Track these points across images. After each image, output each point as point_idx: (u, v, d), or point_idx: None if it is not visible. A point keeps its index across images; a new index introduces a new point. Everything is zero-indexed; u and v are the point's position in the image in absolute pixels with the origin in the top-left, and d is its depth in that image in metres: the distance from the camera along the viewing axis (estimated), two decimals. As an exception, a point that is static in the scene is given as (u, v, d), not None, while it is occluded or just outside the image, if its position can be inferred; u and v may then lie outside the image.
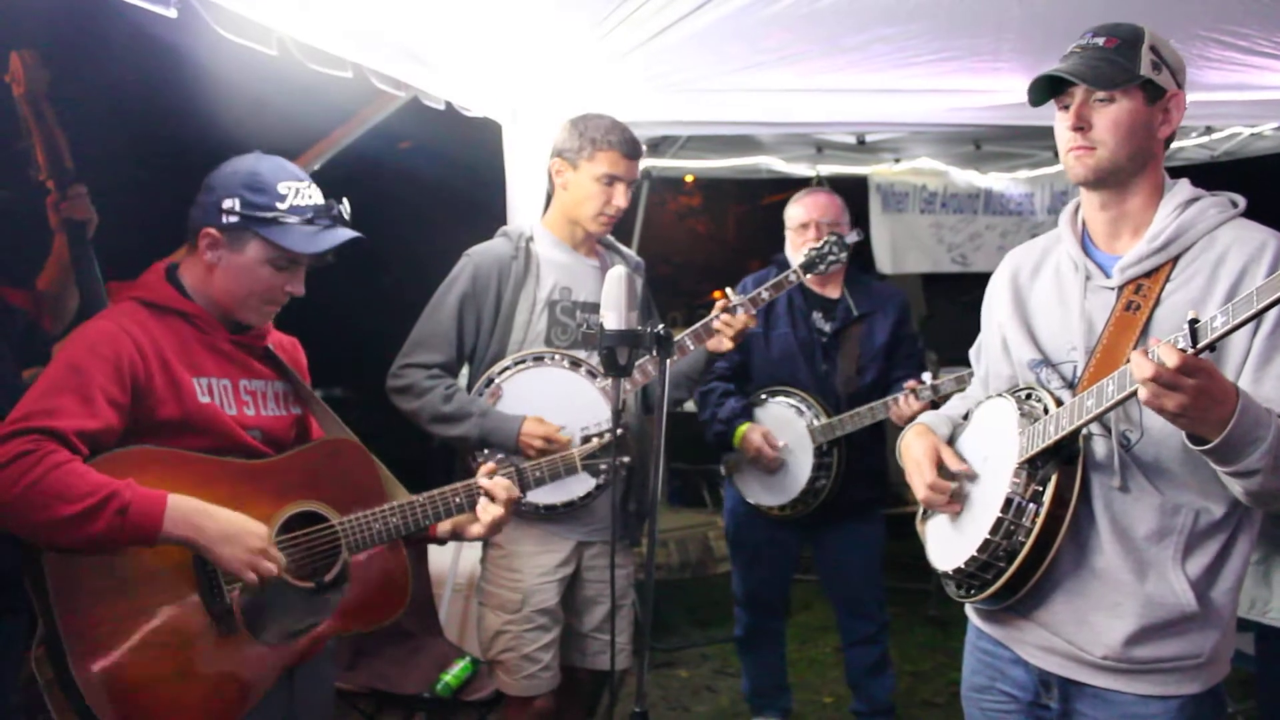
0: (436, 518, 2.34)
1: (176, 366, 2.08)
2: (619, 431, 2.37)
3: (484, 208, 3.76)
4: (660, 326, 2.10)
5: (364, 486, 2.32)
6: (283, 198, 2.13)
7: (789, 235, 3.84)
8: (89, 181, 2.69)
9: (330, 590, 2.19)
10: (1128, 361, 1.70)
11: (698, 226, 10.02)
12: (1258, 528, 1.95)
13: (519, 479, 2.45)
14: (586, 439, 2.78)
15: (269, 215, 2.11)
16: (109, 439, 1.97)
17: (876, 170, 6.40)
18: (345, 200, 2.21)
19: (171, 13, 1.92)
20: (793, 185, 6.46)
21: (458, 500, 2.35)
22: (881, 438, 3.92)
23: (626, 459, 2.66)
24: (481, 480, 2.37)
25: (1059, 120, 1.98)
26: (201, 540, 1.96)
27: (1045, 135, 5.54)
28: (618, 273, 2.09)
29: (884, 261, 6.57)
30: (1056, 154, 6.17)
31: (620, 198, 3.01)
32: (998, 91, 3.78)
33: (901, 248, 6.52)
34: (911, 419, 3.50)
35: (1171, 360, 1.59)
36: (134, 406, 2.01)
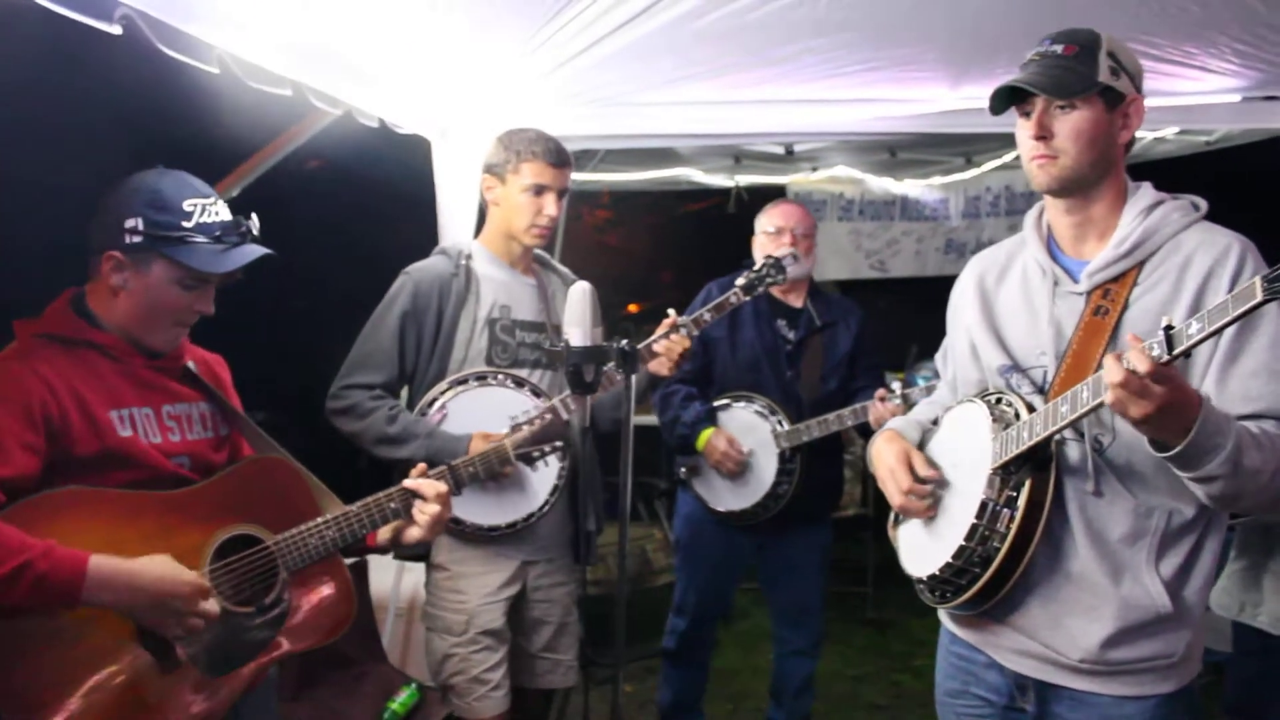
0: (373, 525, 2.28)
1: (92, 401, 1.99)
2: (549, 417, 2.33)
3: (413, 225, 3.71)
4: (625, 342, 2.08)
5: (295, 502, 2.26)
6: (188, 215, 2.05)
7: (760, 241, 3.86)
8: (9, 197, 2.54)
9: (272, 612, 2.13)
10: (1099, 368, 1.73)
11: (611, 240, 10.02)
12: (1225, 526, 1.99)
13: (452, 476, 2.41)
14: (516, 427, 2.74)
15: (174, 235, 2.03)
16: (26, 484, 1.88)
17: (794, 179, 6.50)
18: (254, 216, 2.14)
19: (115, 29, 1.85)
20: (710, 195, 6.51)
21: (392, 506, 2.30)
22: (839, 448, 3.96)
23: (560, 443, 2.64)
24: (408, 482, 2.32)
25: (1021, 128, 2.00)
26: (125, 607, 1.89)
27: (959, 142, 5.76)
28: (581, 289, 2.08)
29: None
30: (969, 160, 6.31)
31: (550, 207, 2.98)
32: (923, 100, 3.85)
33: (821, 255, 6.56)
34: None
35: (1143, 366, 1.62)
36: (50, 447, 1.92)
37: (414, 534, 2.33)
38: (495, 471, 2.54)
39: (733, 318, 3.79)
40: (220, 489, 2.16)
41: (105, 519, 1.95)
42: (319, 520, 2.22)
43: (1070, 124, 1.94)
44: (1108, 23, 3.27)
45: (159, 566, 1.93)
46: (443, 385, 2.92)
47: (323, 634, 2.26)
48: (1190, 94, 3.79)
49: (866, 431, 3.72)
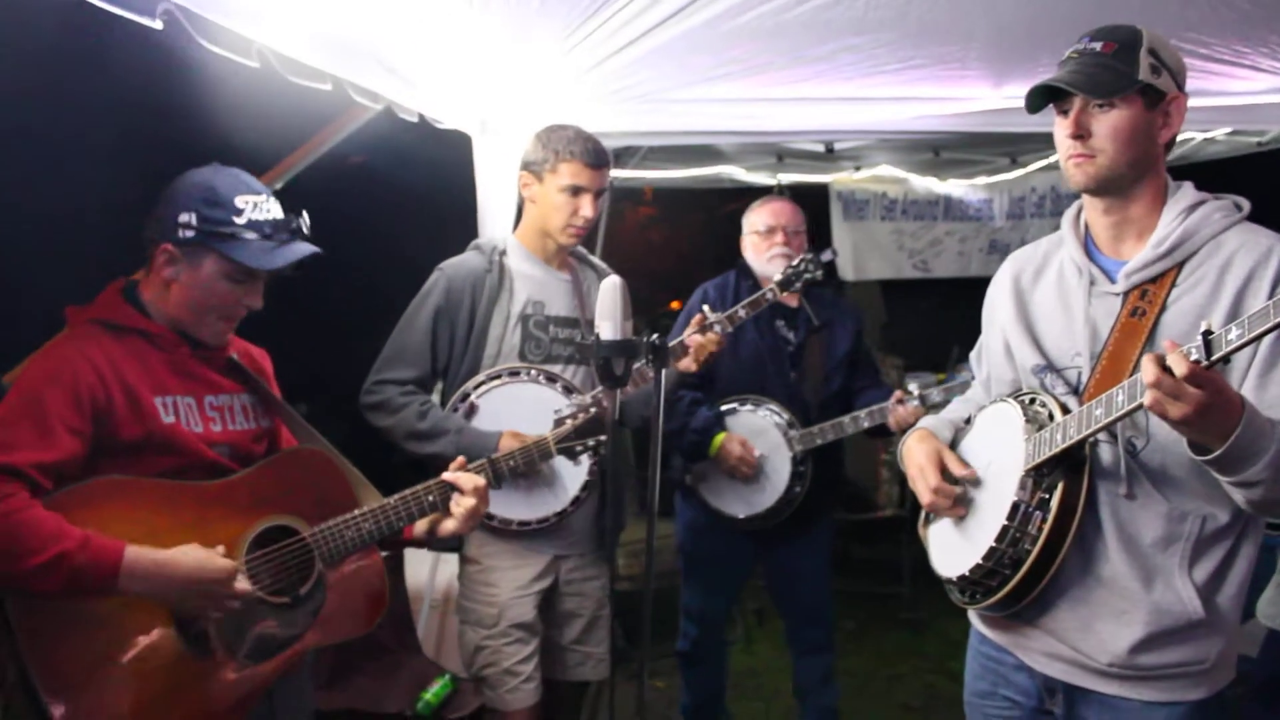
0: (410, 519, 2.31)
1: (138, 387, 2.03)
2: (592, 410, 2.33)
3: (454, 220, 3.73)
4: (655, 336, 2.09)
5: (333, 494, 2.29)
6: (240, 212, 2.09)
7: (752, 241, 3.83)
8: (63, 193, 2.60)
9: (306, 603, 2.17)
10: (1134, 369, 1.71)
11: (654, 237, 10.04)
12: (1261, 532, 1.96)
13: (492, 470, 2.42)
14: (559, 422, 2.75)
15: (226, 230, 2.07)
16: (72, 468, 1.93)
17: (837, 179, 6.47)
18: (305, 214, 2.18)
19: (157, 24, 1.88)
20: (753, 194, 6.50)
21: (430, 499, 2.32)
22: (841, 449, 3.93)
23: (604, 438, 2.64)
24: (448, 474, 2.35)
25: (1058, 127, 1.97)
26: (161, 596, 1.94)
27: (1003, 142, 5.71)
28: (612, 282, 2.08)
29: (846, 269, 6.64)
30: (1014, 160, 6.25)
31: (587, 208, 2.98)
32: (964, 99, 3.81)
33: (863, 255, 6.60)
34: (908, 425, 3.57)
35: (1180, 369, 1.60)
36: (96, 431, 1.97)
37: (449, 527, 2.35)
38: (535, 465, 2.56)
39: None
40: (258, 480, 2.19)
41: (144, 508, 2.00)
42: (356, 512, 2.25)
43: (1108, 123, 1.90)
44: (1154, 21, 3.22)
45: (191, 556, 1.97)
46: (475, 380, 2.94)
47: (356, 626, 2.30)
48: (1241, 94, 3.73)
49: (882, 432, 3.71)
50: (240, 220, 2.09)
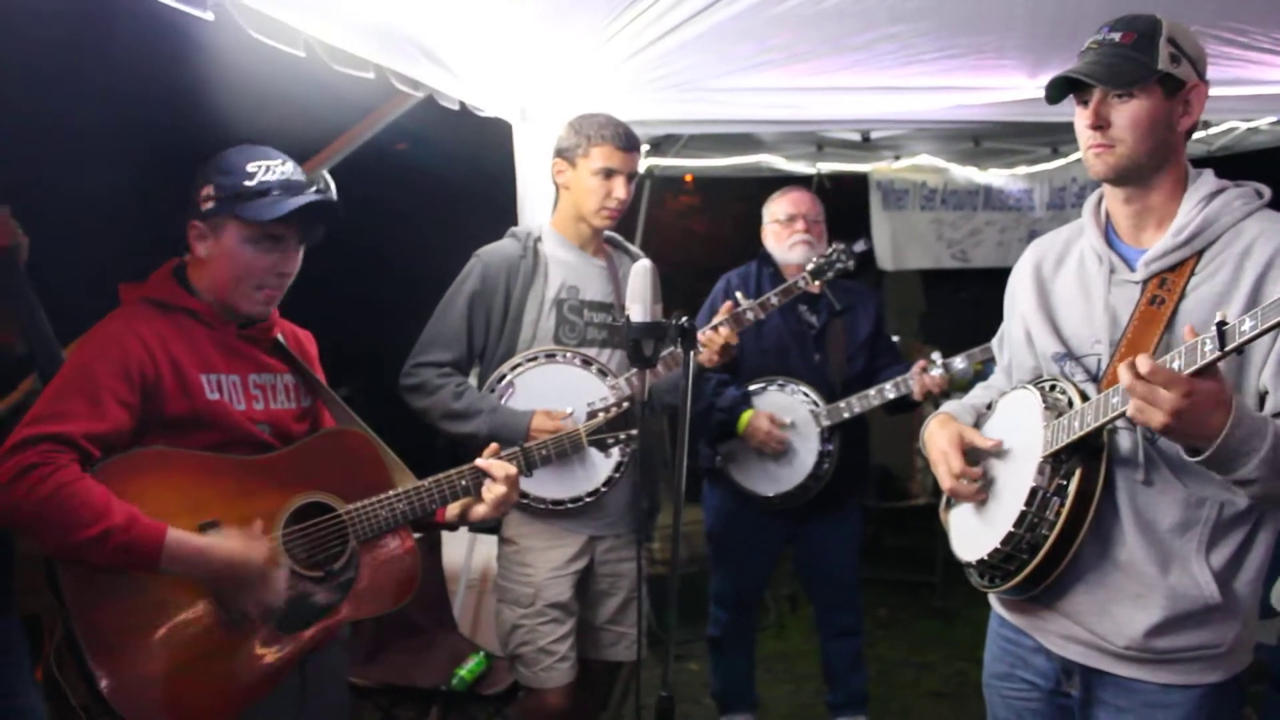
0: (443, 501, 2.37)
1: (185, 364, 2.10)
2: (624, 406, 2.37)
3: (495, 206, 3.79)
4: (684, 319, 2.13)
5: (369, 474, 2.35)
6: (250, 175, 2.13)
7: (773, 230, 3.90)
8: (106, 180, 2.67)
9: (340, 578, 2.23)
10: (1154, 354, 1.73)
11: (696, 226, 10.04)
12: None
13: (524, 457, 2.47)
14: (592, 414, 2.80)
15: (238, 194, 2.12)
16: (120, 439, 2.01)
17: (877, 168, 6.46)
18: (327, 174, 2.22)
19: (209, 15, 1.95)
20: (793, 183, 6.51)
21: (463, 483, 2.38)
22: (867, 431, 3.98)
23: (634, 431, 2.68)
24: (480, 461, 2.40)
25: (1079, 117, 1.98)
26: (199, 579, 2.02)
27: (1044, 131, 5.67)
28: (643, 266, 2.12)
29: (885, 258, 6.63)
30: (1055, 150, 6.20)
31: (620, 189, 3.04)
32: (1002, 89, 3.81)
33: (902, 244, 6.58)
34: (932, 394, 3.60)
35: (1143, 367, 1.64)
36: (144, 404, 2.04)
37: (480, 511, 2.41)
38: (567, 454, 2.61)
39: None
40: (298, 457, 2.26)
41: (188, 479, 2.07)
42: (391, 493, 2.30)
43: (1128, 113, 1.91)
44: (1191, 9, 3.23)
45: (229, 546, 2.04)
46: (512, 362, 3.00)
47: (387, 602, 2.35)
48: (1281, 82, 3.69)
49: (905, 405, 3.75)
50: (252, 183, 2.13)
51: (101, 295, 2.22)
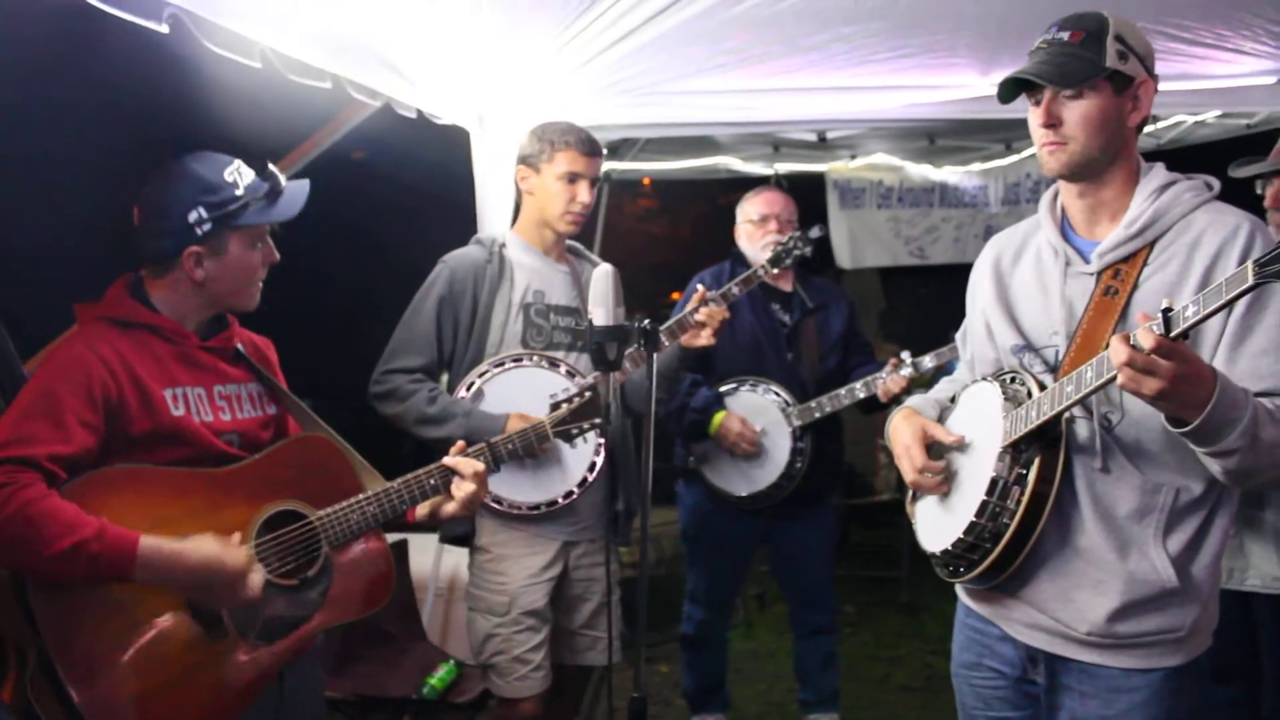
0: (412, 501, 2.37)
1: (147, 381, 2.09)
2: (588, 394, 2.38)
3: (454, 215, 3.79)
4: (647, 321, 2.15)
5: (338, 479, 2.34)
6: (233, 185, 2.17)
7: (746, 230, 3.93)
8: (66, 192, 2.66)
9: (315, 585, 2.23)
10: (1106, 347, 1.76)
11: (655, 229, 10.08)
12: (1235, 503, 2.01)
13: (490, 454, 2.48)
14: (555, 406, 2.82)
15: (235, 207, 2.15)
16: (85, 460, 1.99)
17: (833, 167, 6.50)
18: (266, 161, 2.25)
19: (164, 28, 1.95)
20: (750, 184, 6.56)
21: (432, 482, 2.38)
22: (840, 428, 4.01)
23: (599, 420, 2.69)
24: (448, 460, 2.40)
25: (1032, 115, 2.02)
26: (175, 585, 2.01)
27: (997, 128, 5.74)
28: (604, 270, 2.15)
29: (843, 257, 6.67)
30: (1009, 146, 6.26)
31: (584, 194, 3.07)
32: (955, 87, 3.86)
33: (860, 243, 6.63)
34: (895, 397, 3.64)
35: (1147, 343, 1.65)
36: (108, 424, 2.03)
37: (450, 509, 2.41)
38: (534, 448, 2.61)
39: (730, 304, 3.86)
40: (265, 466, 2.25)
41: (155, 496, 2.06)
42: (360, 496, 2.30)
43: (1079, 111, 1.95)
44: (1135, 7, 3.28)
45: (205, 548, 2.02)
46: (480, 367, 3.01)
47: (364, 606, 2.35)
48: (1225, 76, 3.76)
49: (872, 405, 3.78)
50: (240, 192, 2.16)
51: (58, 310, 2.20)
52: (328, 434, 2.39)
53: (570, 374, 3.02)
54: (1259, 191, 2.90)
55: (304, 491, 2.27)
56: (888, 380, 3.67)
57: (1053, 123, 1.97)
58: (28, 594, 1.91)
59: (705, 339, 3.07)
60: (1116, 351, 1.68)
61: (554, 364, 3.03)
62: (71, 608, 1.93)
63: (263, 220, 2.18)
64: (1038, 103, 2.00)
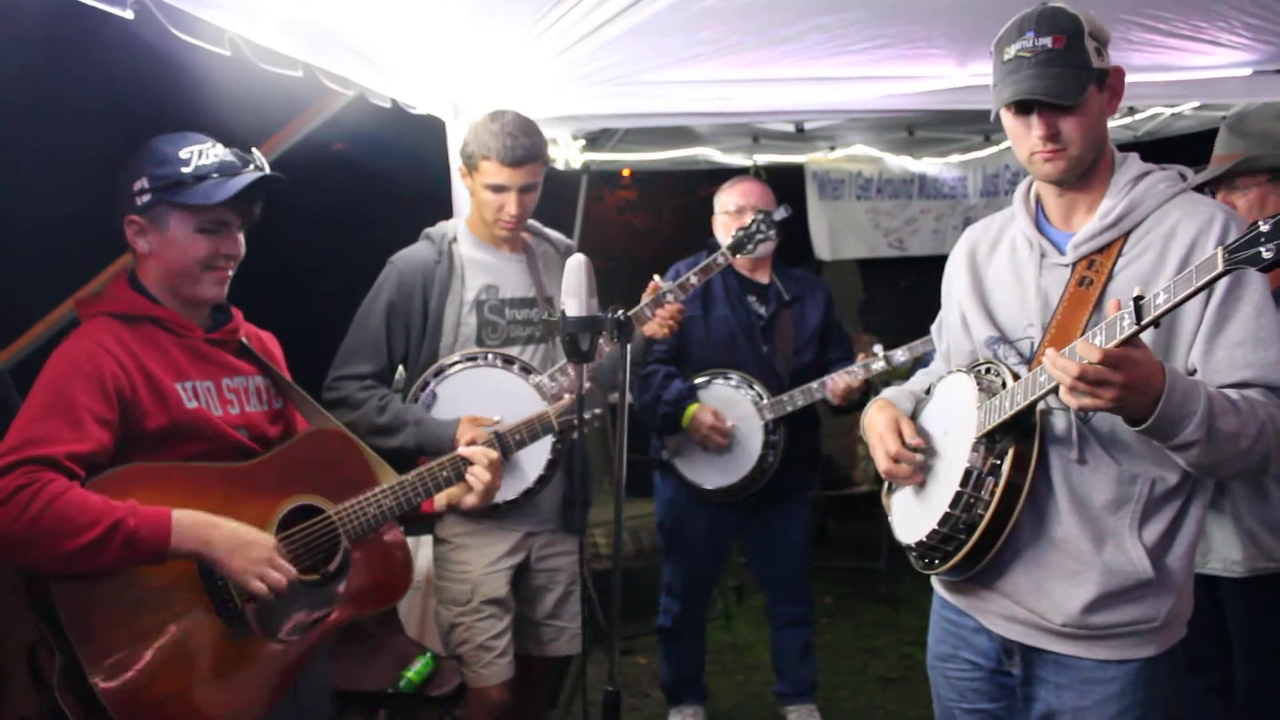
0: (427, 494, 2.39)
1: (159, 375, 2.07)
2: (589, 385, 2.39)
3: (430, 205, 3.76)
4: (620, 311, 2.13)
5: (353, 473, 2.36)
6: (186, 162, 2.10)
7: (723, 220, 3.90)
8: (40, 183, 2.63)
9: (335, 580, 2.23)
10: (1082, 334, 1.76)
11: (634, 219, 10.05)
12: (1209, 494, 2.02)
13: (499, 444, 2.51)
14: (557, 396, 2.81)
15: (176, 181, 2.09)
16: (103, 458, 1.97)
17: (812, 159, 6.50)
18: (255, 150, 2.20)
19: (128, 14, 1.91)
20: (730, 175, 6.56)
21: (445, 474, 2.41)
22: (816, 420, 4.01)
23: (598, 410, 2.69)
24: (462, 450, 2.44)
25: (1015, 123, 1.99)
26: (208, 552, 1.99)
27: (976, 120, 5.74)
28: (577, 261, 2.13)
29: (822, 248, 6.68)
30: (987, 138, 6.27)
31: (511, 206, 2.96)
32: (932, 77, 3.85)
33: (839, 234, 6.63)
34: (846, 395, 3.64)
35: (1093, 355, 1.67)
36: (123, 422, 2.01)
37: (470, 500, 2.46)
38: (539, 438, 2.65)
39: (705, 296, 3.83)
40: (282, 461, 2.24)
41: (175, 493, 2.03)
42: (377, 490, 2.31)
43: (1077, 119, 1.93)
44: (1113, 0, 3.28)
45: (239, 525, 2.03)
46: (434, 368, 2.97)
47: (383, 599, 2.38)
48: (1201, 68, 3.77)
49: (839, 409, 3.78)
50: (188, 170, 2.10)
51: (39, 297, 2.17)
52: (338, 427, 2.39)
53: (525, 370, 2.98)
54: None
55: (321, 486, 2.28)
56: (838, 380, 3.66)
57: (1054, 134, 1.95)
58: (51, 593, 1.88)
59: (662, 331, 3.02)
60: (1069, 371, 1.70)
61: (509, 362, 2.98)
62: (96, 604, 1.92)
63: (188, 201, 2.08)
64: (1028, 112, 1.96)
